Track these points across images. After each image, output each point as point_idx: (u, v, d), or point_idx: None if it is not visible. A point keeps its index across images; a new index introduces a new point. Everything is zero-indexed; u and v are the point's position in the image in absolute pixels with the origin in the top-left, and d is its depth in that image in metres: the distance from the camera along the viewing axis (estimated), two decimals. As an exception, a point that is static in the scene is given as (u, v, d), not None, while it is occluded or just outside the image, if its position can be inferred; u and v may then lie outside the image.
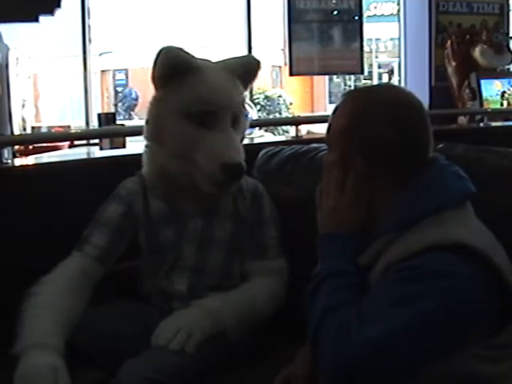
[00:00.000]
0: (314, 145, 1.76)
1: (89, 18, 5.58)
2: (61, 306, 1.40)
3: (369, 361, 0.95)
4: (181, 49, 1.45)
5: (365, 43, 5.87)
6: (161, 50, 1.43)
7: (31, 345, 1.31)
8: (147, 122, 1.53)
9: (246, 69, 1.56)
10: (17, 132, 5.05)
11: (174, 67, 1.43)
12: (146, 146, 1.57)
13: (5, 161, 1.86)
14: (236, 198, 1.57)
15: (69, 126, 6.20)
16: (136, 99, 11.56)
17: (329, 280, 1.07)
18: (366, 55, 6.28)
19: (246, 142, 1.63)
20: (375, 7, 13.92)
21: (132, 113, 11.36)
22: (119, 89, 13.37)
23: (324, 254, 1.12)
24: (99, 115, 4.36)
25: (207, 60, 1.56)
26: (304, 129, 3.91)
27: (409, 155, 1.10)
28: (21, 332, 1.34)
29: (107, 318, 1.47)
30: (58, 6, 3.38)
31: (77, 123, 6.34)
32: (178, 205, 1.55)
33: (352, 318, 0.98)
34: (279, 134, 6.77)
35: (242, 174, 1.47)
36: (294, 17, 5.34)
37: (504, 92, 5.26)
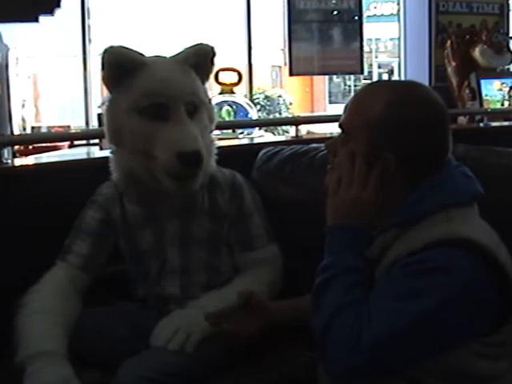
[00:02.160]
0: (314, 145, 1.76)
1: (89, 18, 5.58)
2: (56, 309, 1.41)
3: (377, 359, 0.97)
4: (124, 47, 1.43)
5: (365, 43, 5.87)
6: (104, 52, 1.42)
7: (36, 353, 1.31)
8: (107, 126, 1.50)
9: (198, 57, 1.51)
10: (17, 132, 5.05)
11: (119, 66, 1.42)
12: (111, 152, 1.55)
13: (5, 161, 1.85)
14: (214, 193, 1.55)
15: (69, 126, 6.20)
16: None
17: (342, 276, 1.04)
18: (365, 55, 6.28)
19: (245, 141, 1.63)
20: (375, 7, 13.92)
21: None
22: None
23: (335, 245, 1.09)
24: (99, 115, 4.35)
25: (159, 56, 1.53)
26: (304, 129, 3.91)
27: (434, 154, 1.10)
28: (21, 340, 1.34)
29: (106, 318, 1.47)
30: (58, 6, 3.38)
31: (77, 123, 6.34)
32: (154, 208, 1.54)
33: (363, 318, 0.98)
34: (279, 134, 6.77)
35: (200, 161, 1.42)
36: (294, 17, 5.35)
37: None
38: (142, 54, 1.47)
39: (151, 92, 1.42)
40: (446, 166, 1.11)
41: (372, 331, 0.96)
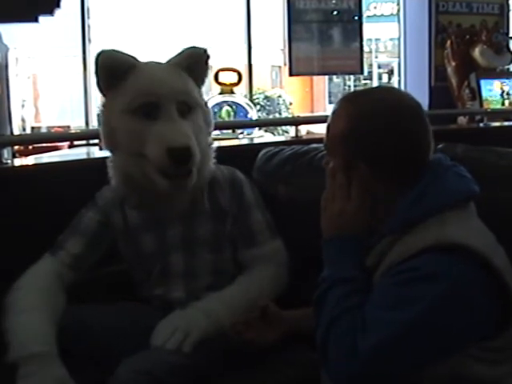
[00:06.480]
0: (314, 145, 1.76)
1: (88, 17, 5.58)
2: (43, 305, 1.41)
3: (374, 368, 0.97)
4: (115, 50, 1.45)
5: (364, 43, 5.87)
6: (97, 56, 1.44)
7: (28, 356, 1.31)
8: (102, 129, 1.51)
9: (190, 60, 1.51)
10: (16, 132, 5.05)
11: (110, 70, 1.44)
12: (108, 157, 1.55)
13: (4, 161, 1.85)
14: (214, 192, 1.56)
15: (68, 126, 6.19)
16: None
17: (335, 287, 1.07)
18: (365, 55, 6.28)
19: (245, 142, 1.64)
20: (375, 7, 13.91)
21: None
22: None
23: (329, 258, 1.12)
24: (99, 115, 4.35)
25: (152, 61, 1.54)
26: (303, 129, 3.91)
27: (408, 158, 1.10)
28: (12, 340, 1.33)
29: (108, 318, 1.47)
30: (58, 6, 3.37)
31: (76, 123, 6.34)
32: (154, 212, 1.54)
33: (357, 326, 0.99)
34: (279, 134, 6.77)
35: (190, 156, 1.41)
36: (294, 17, 5.35)
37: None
38: (133, 57, 1.48)
39: (142, 91, 1.43)
40: (436, 167, 1.11)
41: (367, 340, 0.97)
